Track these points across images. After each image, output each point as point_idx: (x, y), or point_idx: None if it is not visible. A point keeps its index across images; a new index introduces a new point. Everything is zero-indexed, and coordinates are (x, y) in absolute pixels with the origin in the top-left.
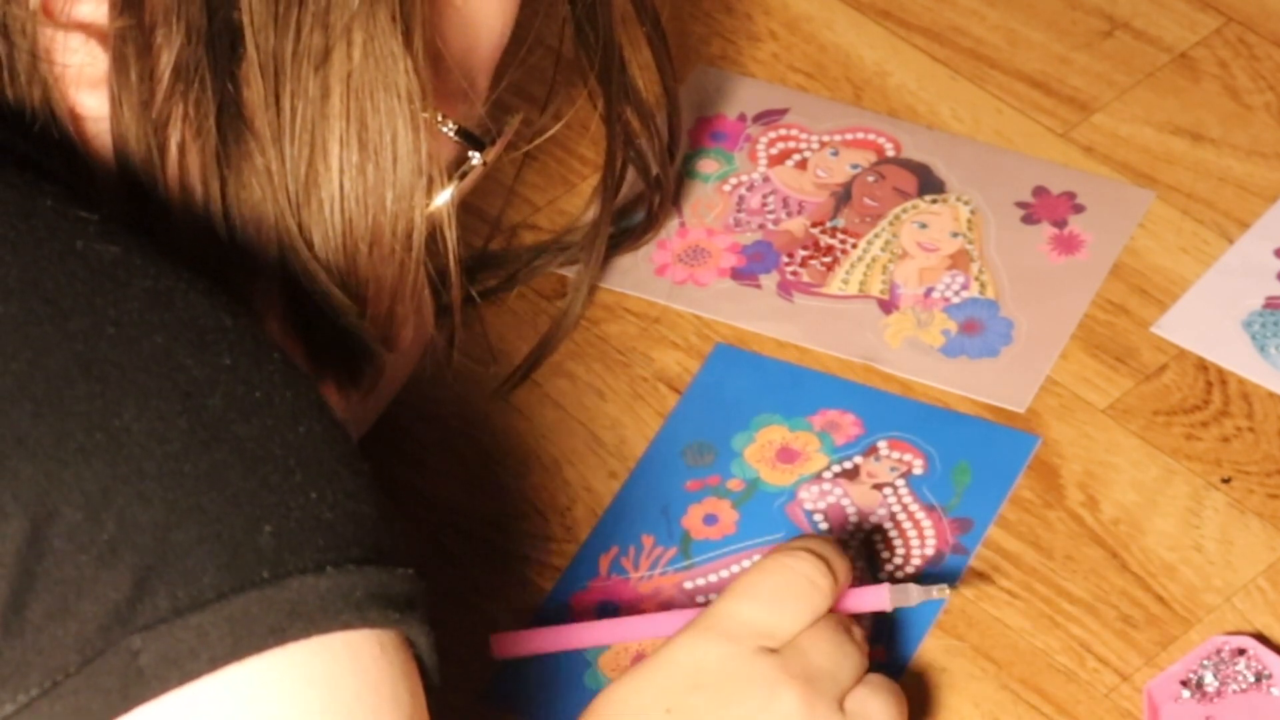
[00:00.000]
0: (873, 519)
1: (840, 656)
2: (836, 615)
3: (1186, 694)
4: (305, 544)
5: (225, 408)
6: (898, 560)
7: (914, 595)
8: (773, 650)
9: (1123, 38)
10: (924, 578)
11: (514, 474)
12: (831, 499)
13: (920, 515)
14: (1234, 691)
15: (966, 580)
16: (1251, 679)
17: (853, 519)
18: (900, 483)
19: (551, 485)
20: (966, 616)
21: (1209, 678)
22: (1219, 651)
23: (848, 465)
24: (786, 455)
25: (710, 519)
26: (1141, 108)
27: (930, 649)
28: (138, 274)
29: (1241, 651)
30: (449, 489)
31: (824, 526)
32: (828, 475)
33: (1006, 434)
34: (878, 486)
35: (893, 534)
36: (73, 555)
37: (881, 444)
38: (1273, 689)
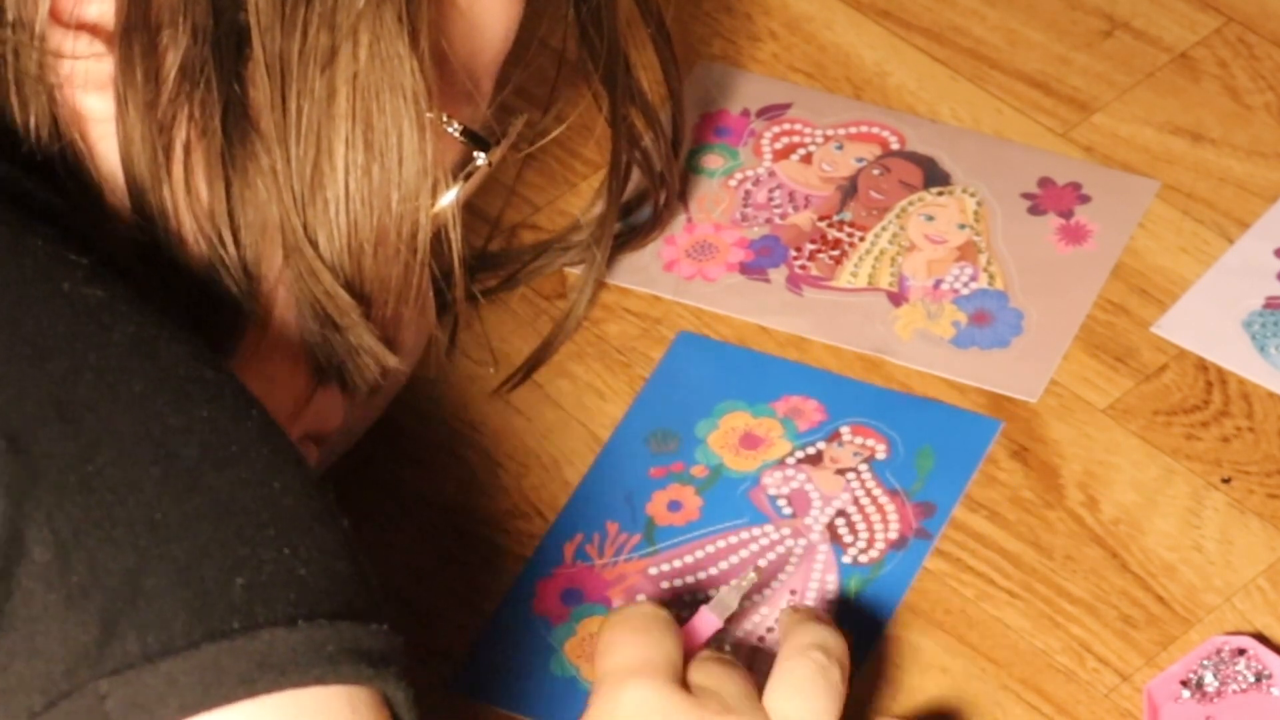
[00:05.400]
0: (836, 504)
1: (729, 680)
2: (707, 652)
3: (1186, 694)
4: (277, 597)
5: (199, 459)
6: (861, 544)
7: (730, 597)
8: (688, 690)
9: (1123, 38)
10: (886, 561)
11: (514, 474)
12: (795, 484)
13: (884, 500)
14: (1234, 691)
15: (966, 580)
16: (1251, 679)
17: (816, 504)
18: (864, 467)
19: (551, 485)
20: (966, 617)
21: (1209, 678)
22: (1219, 651)
23: (811, 451)
24: (750, 441)
25: (674, 505)
26: (1141, 108)
27: (931, 649)
28: (121, 320)
29: (1241, 651)
30: (449, 489)
31: (788, 511)
32: (791, 461)
33: (969, 419)
34: (841, 472)
35: (856, 519)
36: (41, 594)
37: (844, 429)
38: (1273, 689)
